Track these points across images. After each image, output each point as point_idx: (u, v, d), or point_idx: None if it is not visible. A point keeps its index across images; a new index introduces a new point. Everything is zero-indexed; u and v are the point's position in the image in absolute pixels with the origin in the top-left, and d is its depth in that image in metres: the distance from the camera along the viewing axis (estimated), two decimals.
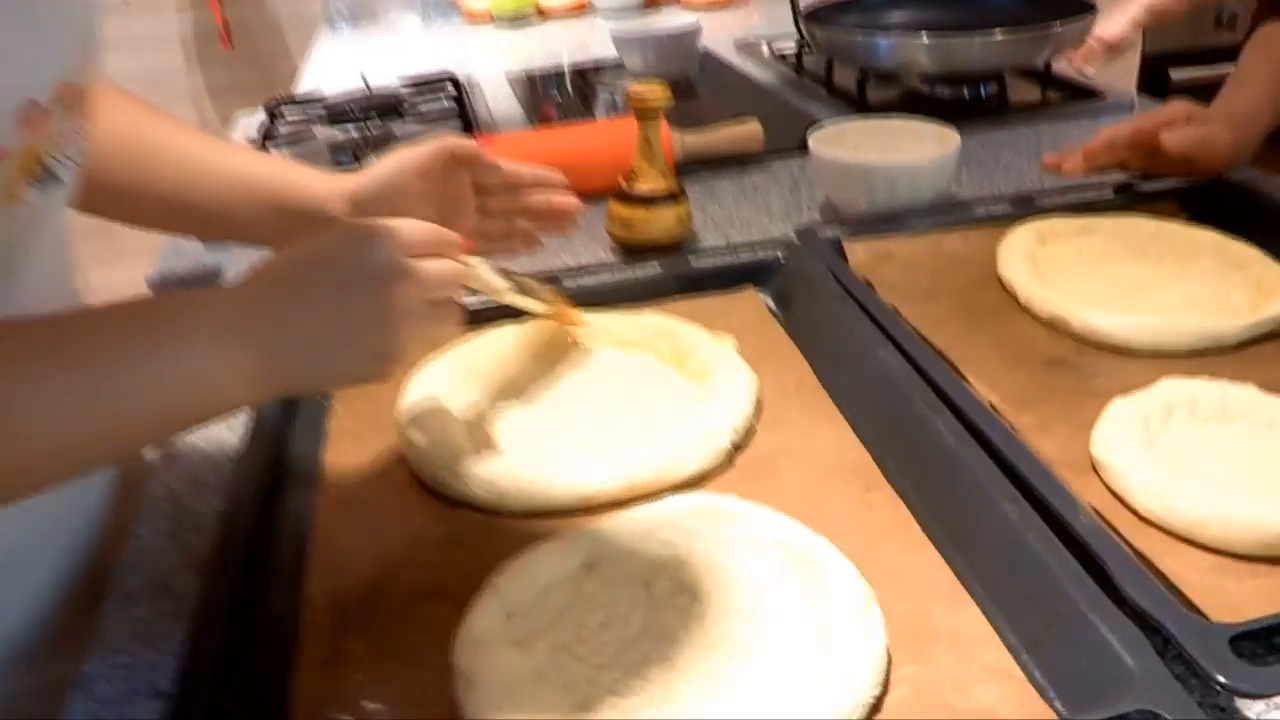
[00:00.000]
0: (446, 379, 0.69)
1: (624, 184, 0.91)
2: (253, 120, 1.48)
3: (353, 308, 0.50)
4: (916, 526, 0.55)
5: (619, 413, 0.67)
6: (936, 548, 0.53)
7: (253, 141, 1.31)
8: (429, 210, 0.72)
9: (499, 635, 0.48)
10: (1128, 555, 0.50)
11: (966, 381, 0.66)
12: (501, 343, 0.75)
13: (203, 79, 2.62)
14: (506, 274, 0.67)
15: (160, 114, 0.72)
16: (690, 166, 1.11)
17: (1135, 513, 0.55)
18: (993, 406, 0.63)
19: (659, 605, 0.51)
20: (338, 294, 0.50)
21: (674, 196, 0.91)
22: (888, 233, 0.87)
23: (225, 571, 0.54)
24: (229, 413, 0.52)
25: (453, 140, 0.72)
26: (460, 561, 0.55)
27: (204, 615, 0.52)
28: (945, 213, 0.91)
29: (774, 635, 0.48)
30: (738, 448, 0.63)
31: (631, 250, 0.93)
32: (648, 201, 0.90)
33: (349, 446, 0.66)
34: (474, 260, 0.61)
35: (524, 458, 0.62)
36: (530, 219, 0.77)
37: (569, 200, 0.77)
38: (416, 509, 0.60)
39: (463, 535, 0.58)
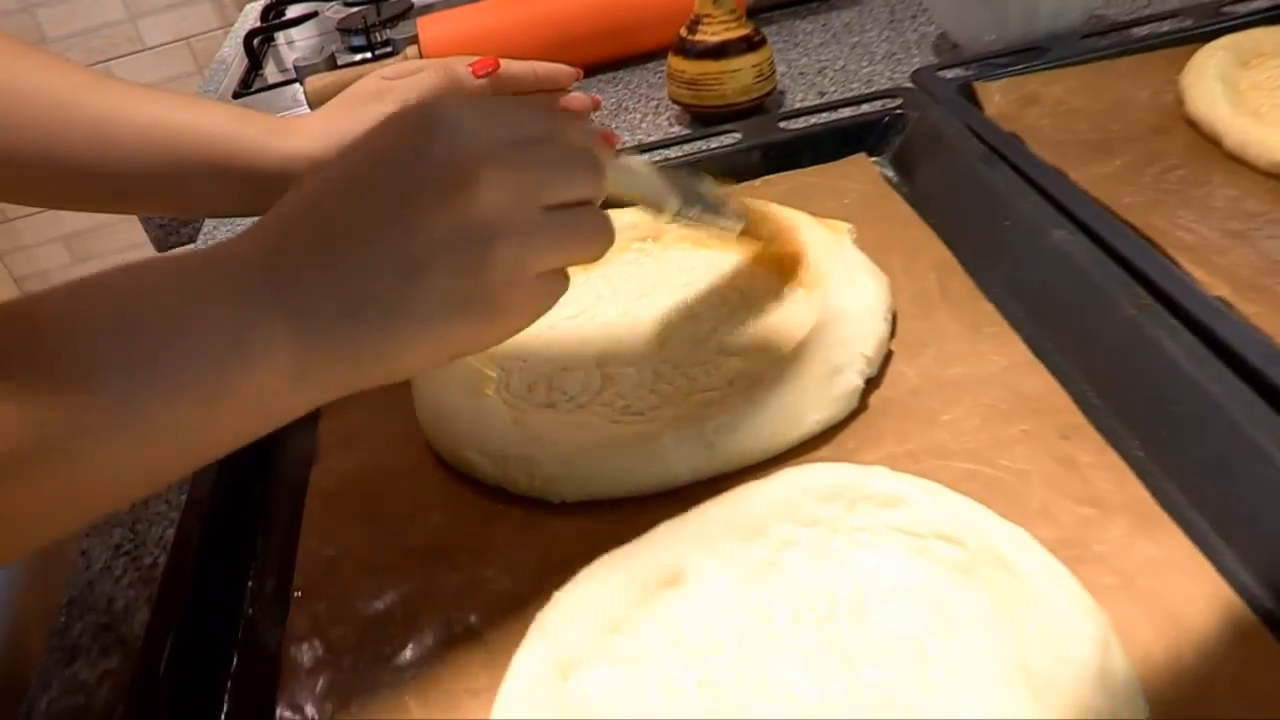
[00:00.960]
0: None
1: (685, 34, 0.72)
2: (257, 3, 1.31)
3: (424, 235, 0.32)
4: (1147, 494, 0.38)
5: (697, 344, 0.50)
6: (1184, 528, 0.36)
7: (255, 31, 1.13)
8: None
9: (550, 699, 0.34)
10: None
11: (1179, 267, 0.48)
12: None
13: None
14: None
15: (40, 54, 0.53)
16: (760, 8, 0.91)
17: None
18: (1224, 302, 0.45)
19: (778, 643, 0.35)
20: (395, 218, 0.33)
21: (750, 43, 0.71)
22: (1028, 67, 0.67)
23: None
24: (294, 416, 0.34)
25: (436, 78, 0.58)
26: (489, 578, 0.41)
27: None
28: (1100, 36, 0.71)
29: (954, 689, 0.33)
30: (870, 383, 0.46)
31: (703, 117, 0.74)
32: (717, 52, 0.71)
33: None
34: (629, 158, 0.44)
35: (572, 422, 0.46)
36: None
37: (575, 100, 0.60)
38: (433, 494, 0.46)
39: (493, 538, 0.43)
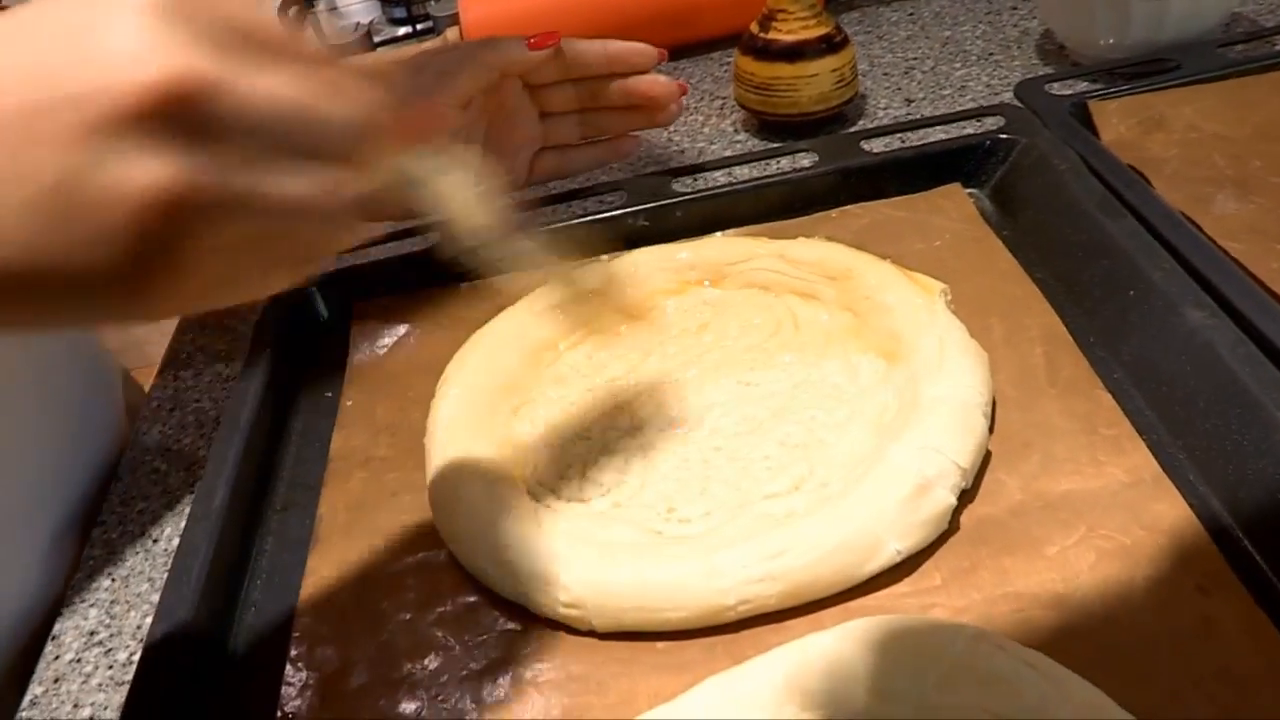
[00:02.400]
0: (467, 411, 0.46)
1: (757, 30, 0.63)
2: None
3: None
4: None
5: (755, 429, 0.43)
6: None
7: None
8: (472, 139, 0.52)
9: None
10: None
11: None
12: (533, 324, 0.50)
13: None
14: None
15: None
16: None
17: None
18: None
19: None
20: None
21: (830, 43, 0.62)
22: (1154, 83, 0.57)
23: None
24: None
25: (492, 57, 0.51)
26: None
27: None
28: (1240, 45, 0.61)
29: None
30: (963, 499, 0.38)
31: (773, 126, 0.66)
32: (792, 54, 0.62)
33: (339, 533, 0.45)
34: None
35: (606, 531, 0.39)
36: (611, 117, 0.53)
37: (658, 85, 0.52)
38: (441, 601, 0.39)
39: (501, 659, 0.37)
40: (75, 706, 0.39)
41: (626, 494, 0.41)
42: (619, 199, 0.57)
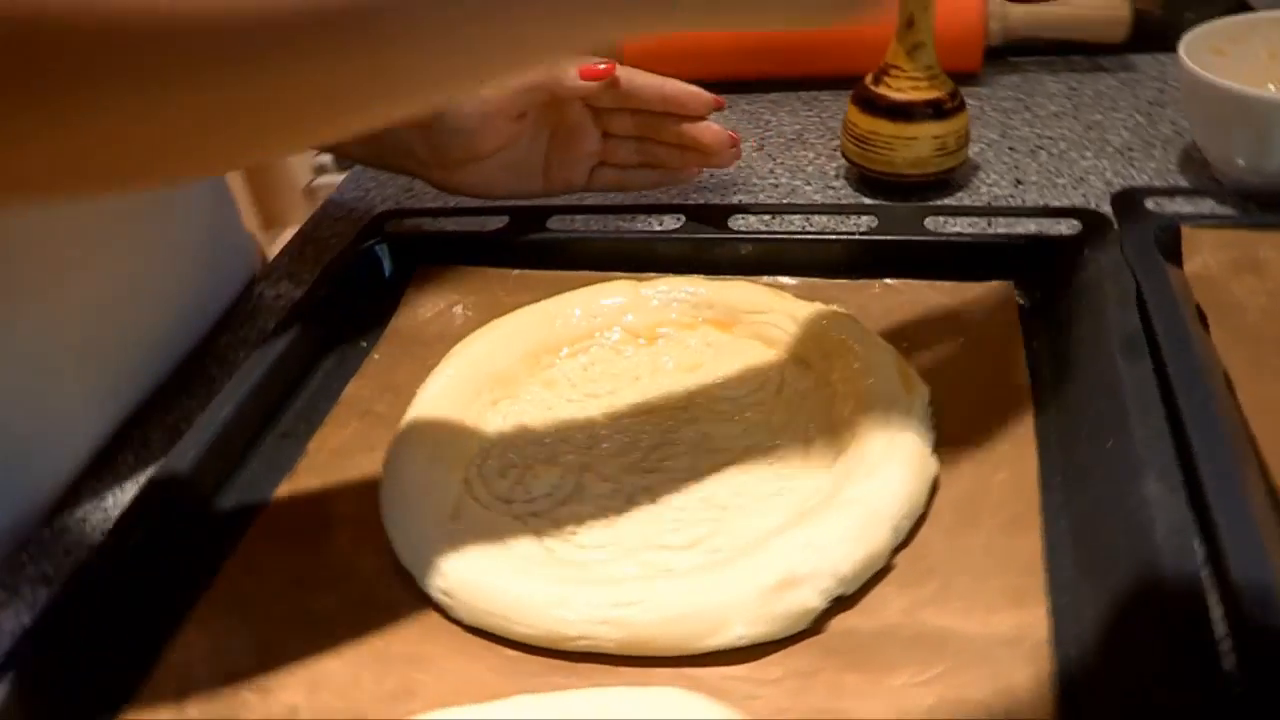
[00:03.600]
0: (453, 391, 0.49)
1: (870, 83, 0.62)
2: None
3: None
4: None
5: (687, 481, 0.43)
6: None
7: None
8: (531, 148, 0.58)
9: None
10: None
11: None
12: (544, 325, 0.52)
13: None
14: None
15: None
16: (1016, 49, 0.77)
17: None
18: None
19: None
20: None
21: (940, 109, 0.60)
22: (1268, 223, 0.52)
23: None
24: None
25: (550, 79, 0.55)
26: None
27: None
28: None
29: None
30: (844, 600, 0.38)
31: (869, 180, 0.64)
32: (896, 113, 0.60)
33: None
34: None
35: (504, 535, 0.41)
36: (667, 150, 0.55)
37: (709, 132, 0.52)
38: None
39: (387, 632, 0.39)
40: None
41: (545, 507, 0.43)
42: (676, 221, 0.58)
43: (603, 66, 0.53)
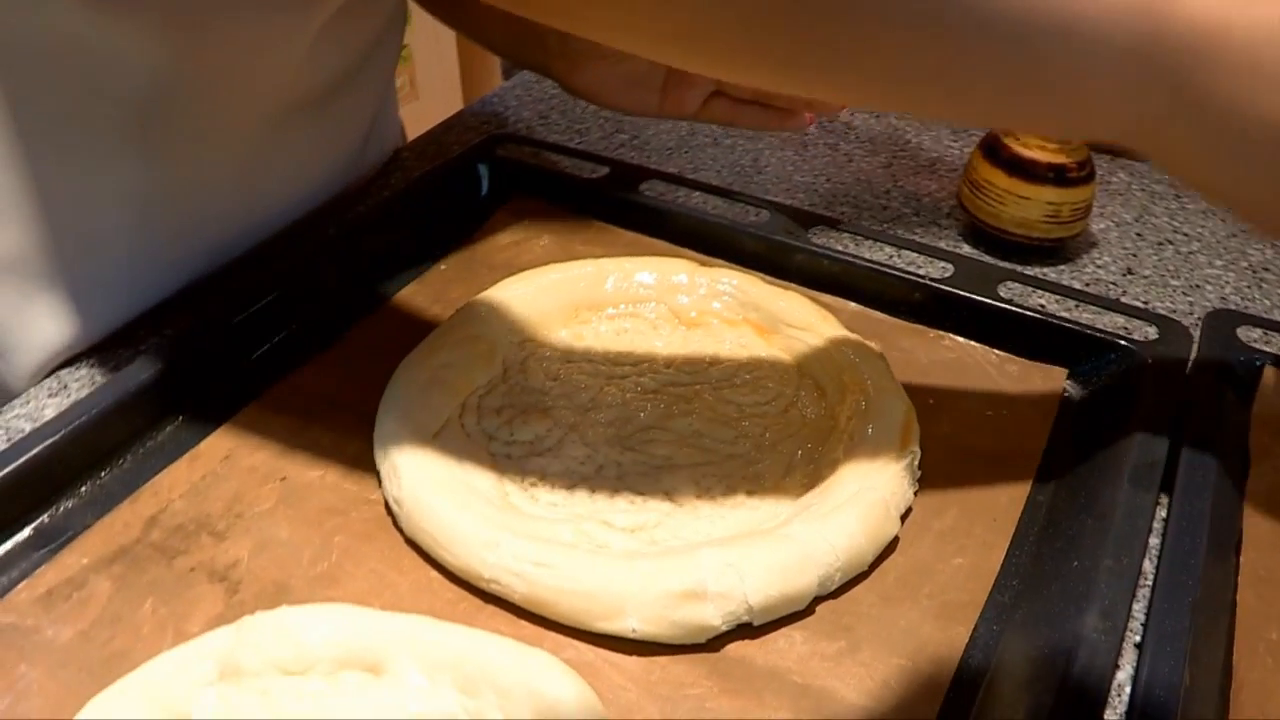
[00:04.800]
0: (490, 320, 0.51)
1: (1001, 129, 0.59)
2: None
3: None
4: None
5: (658, 469, 0.44)
6: None
7: None
8: (654, 64, 0.57)
9: None
10: None
11: None
12: (596, 282, 0.53)
13: None
14: None
15: None
16: None
17: None
18: None
19: None
20: None
21: (1064, 176, 0.57)
22: None
23: None
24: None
25: None
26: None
27: None
28: None
29: None
30: (751, 631, 0.38)
31: (975, 229, 0.61)
32: (1017, 168, 0.57)
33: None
34: None
35: (460, 468, 0.42)
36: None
37: (792, 115, 0.52)
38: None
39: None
40: None
41: (520, 454, 0.45)
42: (761, 217, 0.57)
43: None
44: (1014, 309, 0.50)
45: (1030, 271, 0.58)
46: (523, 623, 0.38)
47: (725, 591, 0.37)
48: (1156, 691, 0.33)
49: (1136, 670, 0.35)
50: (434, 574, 0.40)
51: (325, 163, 0.60)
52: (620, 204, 0.60)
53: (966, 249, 0.61)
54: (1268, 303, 0.56)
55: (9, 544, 0.40)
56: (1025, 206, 0.57)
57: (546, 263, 0.55)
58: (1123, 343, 0.47)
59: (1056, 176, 0.56)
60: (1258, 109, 0.32)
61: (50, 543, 0.40)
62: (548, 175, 0.63)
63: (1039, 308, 0.51)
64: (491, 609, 0.39)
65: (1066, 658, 0.34)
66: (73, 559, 0.40)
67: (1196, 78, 0.32)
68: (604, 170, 0.62)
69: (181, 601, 0.39)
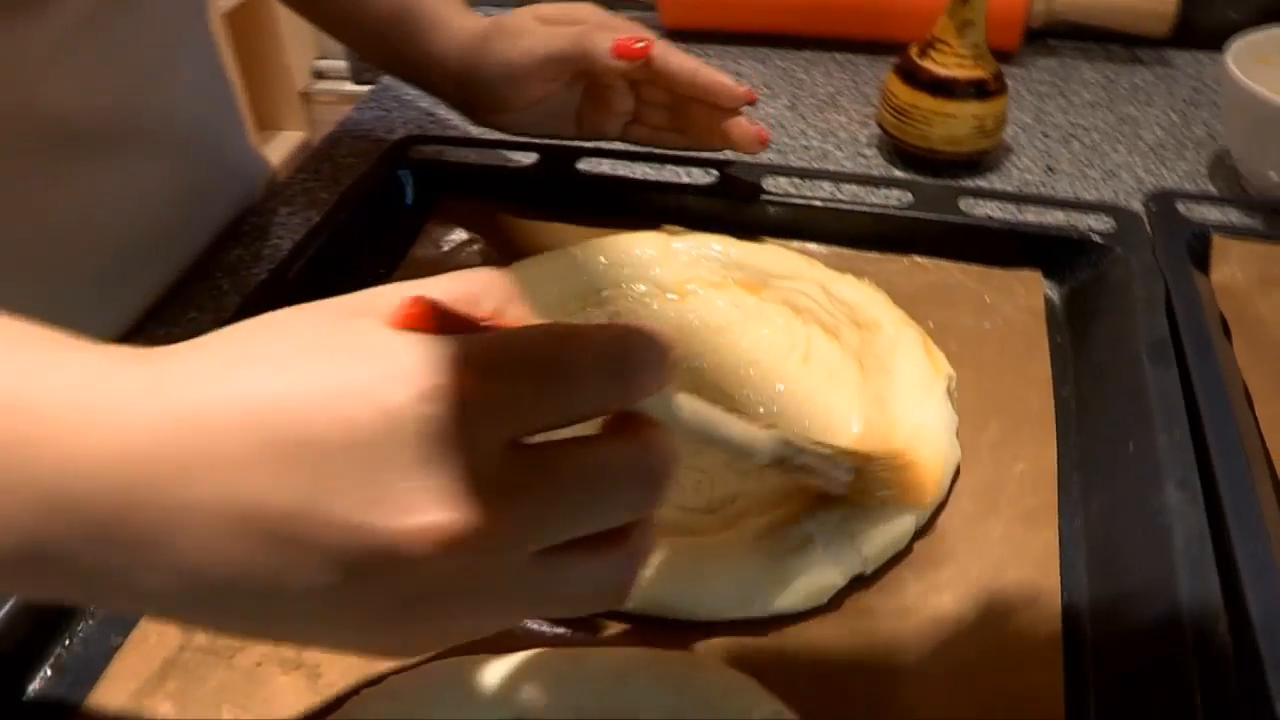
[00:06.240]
0: None
1: (914, 54, 0.61)
2: None
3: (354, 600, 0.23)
4: None
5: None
6: None
7: None
8: (565, 100, 0.57)
9: None
10: None
11: None
12: (578, 272, 0.52)
13: None
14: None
15: None
16: (1055, 32, 0.76)
17: None
18: None
19: None
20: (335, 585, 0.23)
21: (982, 89, 0.60)
22: None
23: None
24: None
25: (568, 47, 0.53)
26: None
27: None
28: None
29: None
30: (857, 583, 0.38)
31: (901, 154, 0.64)
32: (937, 88, 0.60)
33: None
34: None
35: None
36: (697, 128, 0.54)
37: (738, 128, 0.52)
38: None
39: None
40: None
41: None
42: (710, 177, 0.57)
43: (640, 45, 0.52)
44: (985, 223, 0.53)
45: (967, 185, 0.61)
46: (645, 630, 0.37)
47: (837, 548, 0.37)
48: (1252, 555, 0.35)
49: (1220, 533, 0.37)
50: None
51: (161, 197, 0.55)
52: (559, 187, 0.58)
53: (900, 174, 0.63)
54: (1175, 178, 0.61)
55: (32, 690, 0.36)
56: (952, 124, 0.60)
57: (499, 262, 0.53)
58: (1096, 238, 0.50)
59: (978, 91, 0.59)
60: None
61: (78, 677, 0.36)
62: (475, 171, 0.60)
63: (986, 217, 0.54)
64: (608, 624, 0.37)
65: (1165, 532, 0.36)
66: (116, 689, 0.36)
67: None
68: (533, 157, 0.60)
69: (261, 701, 0.35)
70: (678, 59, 0.52)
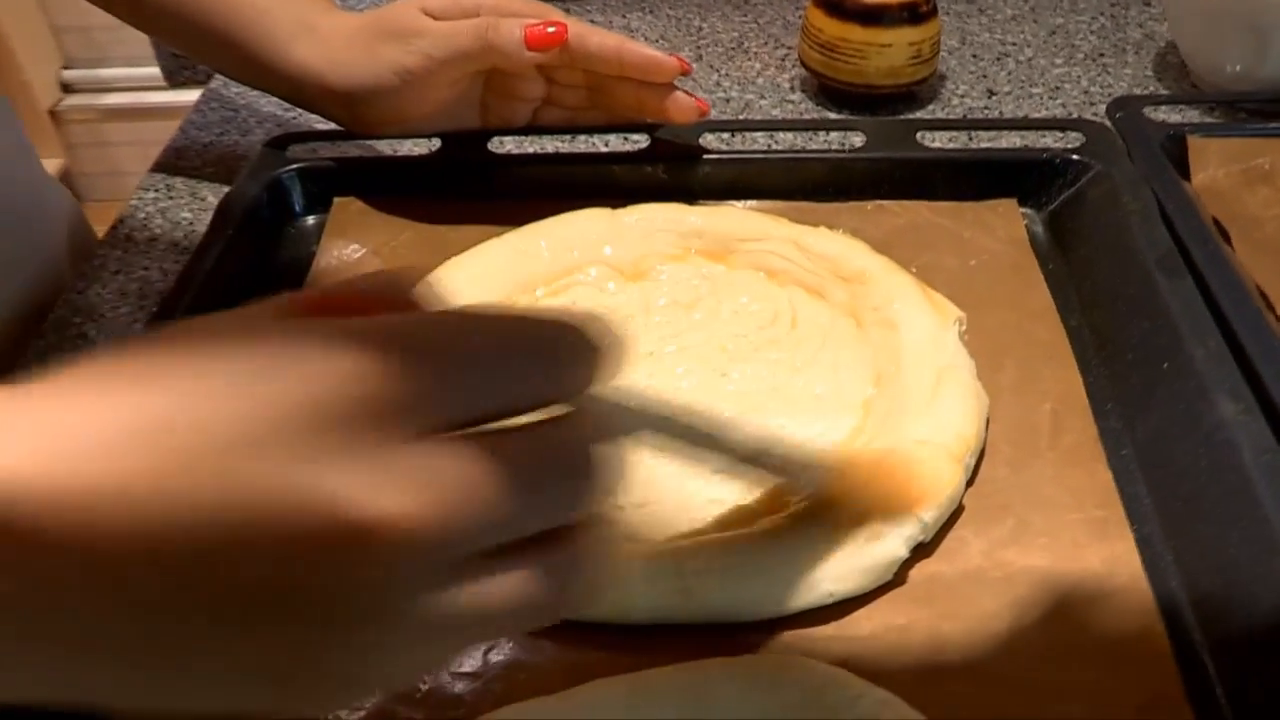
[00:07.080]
0: None
1: None
2: None
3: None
4: None
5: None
6: None
7: None
8: (466, 98, 0.56)
9: None
10: None
11: None
12: (520, 261, 0.51)
13: None
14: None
15: None
16: None
17: None
18: None
19: None
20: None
21: (915, 13, 0.61)
22: (1273, 130, 0.56)
23: None
24: None
25: (470, 44, 0.51)
26: None
27: None
28: None
29: None
30: (918, 551, 0.38)
31: (831, 93, 0.64)
32: (868, 17, 0.61)
33: None
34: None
35: None
36: (621, 106, 0.54)
37: (675, 104, 0.52)
38: None
39: None
40: None
41: None
42: (642, 141, 0.56)
43: (552, 30, 0.51)
44: (954, 153, 0.54)
45: (920, 118, 0.62)
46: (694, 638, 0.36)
47: (900, 519, 0.37)
48: None
49: None
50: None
51: None
52: (472, 172, 0.57)
53: (835, 115, 0.64)
54: (1123, 85, 0.64)
55: None
56: (887, 54, 0.61)
57: (419, 265, 0.51)
58: (1075, 157, 0.52)
59: (911, 15, 0.60)
60: None
61: None
62: (371, 165, 0.58)
63: (947, 150, 0.55)
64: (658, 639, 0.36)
65: (1230, 448, 0.38)
66: None
67: None
68: (434, 143, 0.58)
69: None
70: (597, 39, 0.51)
